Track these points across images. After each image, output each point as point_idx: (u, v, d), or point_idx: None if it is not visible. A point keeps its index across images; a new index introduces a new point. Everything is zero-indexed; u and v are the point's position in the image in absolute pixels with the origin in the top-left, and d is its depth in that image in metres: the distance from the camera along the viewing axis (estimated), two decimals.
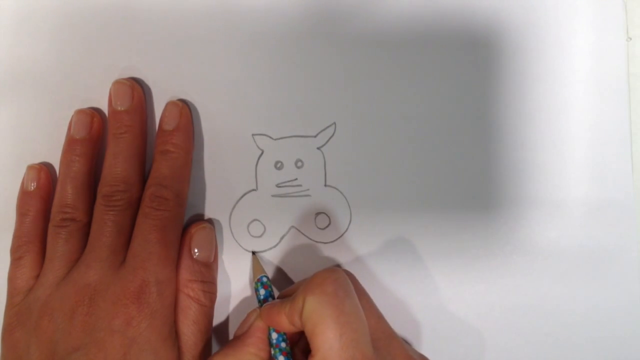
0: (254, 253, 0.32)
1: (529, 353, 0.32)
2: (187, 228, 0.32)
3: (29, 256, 0.31)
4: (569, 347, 0.32)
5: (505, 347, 0.32)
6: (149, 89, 0.33)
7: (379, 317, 0.29)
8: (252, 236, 0.33)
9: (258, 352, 0.28)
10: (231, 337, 0.33)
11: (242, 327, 0.29)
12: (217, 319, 0.32)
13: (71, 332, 0.28)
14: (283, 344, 0.28)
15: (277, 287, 0.33)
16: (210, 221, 0.33)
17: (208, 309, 0.31)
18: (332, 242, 0.33)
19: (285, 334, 0.28)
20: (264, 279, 0.30)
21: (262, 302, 0.30)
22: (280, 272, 0.33)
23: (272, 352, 0.28)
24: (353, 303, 0.26)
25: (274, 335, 0.28)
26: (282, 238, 0.33)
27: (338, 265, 0.33)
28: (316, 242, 0.33)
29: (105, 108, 0.33)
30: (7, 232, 0.32)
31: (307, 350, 0.28)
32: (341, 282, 0.26)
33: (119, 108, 0.31)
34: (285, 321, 0.27)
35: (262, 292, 0.30)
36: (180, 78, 0.33)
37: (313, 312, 0.25)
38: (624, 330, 0.32)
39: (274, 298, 0.30)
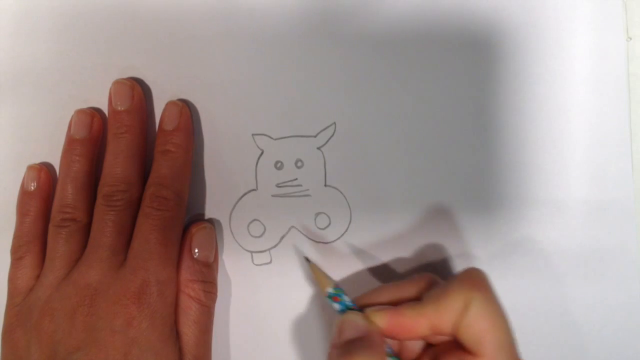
0: (309, 260, 0.30)
1: (529, 353, 0.32)
2: (187, 228, 0.32)
3: (29, 256, 0.31)
4: (569, 347, 0.32)
5: None
6: (149, 89, 0.33)
7: None
8: (252, 236, 0.33)
9: (383, 356, 0.25)
10: (231, 336, 0.33)
11: (346, 332, 0.25)
12: (217, 319, 0.32)
13: (72, 332, 0.28)
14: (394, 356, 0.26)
15: (277, 287, 0.33)
16: (210, 221, 0.33)
17: (209, 309, 0.31)
18: (332, 242, 0.33)
19: (394, 350, 0.26)
20: (338, 288, 0.27)
21: (345, 310, 0.27)
22: (280, 272, 0.33)
23: None
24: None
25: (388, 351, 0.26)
26: (282, 238, 0.33)
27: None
28: (316, 242, 0.33)
29: (105, 108, 0.33)
30: (7, 232, 0.32)
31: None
32: (490, 280, 0.26)
33: (119, 108, 0.31)
34: (424, 325, 0.25)
35: (345, 298, 0.27)
36: (180, 78, 0.33)
37: (485, 312, 0.24)
38: (624, 330, 0.32)
39: (353, 303, 0.27)
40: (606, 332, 0.32)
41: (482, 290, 0.25)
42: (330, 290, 0.28)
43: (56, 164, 0.33)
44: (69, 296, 0.29)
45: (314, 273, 0.29)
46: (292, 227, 0.33)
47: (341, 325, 0.26)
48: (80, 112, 0.32)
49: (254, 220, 0.33)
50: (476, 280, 0.25)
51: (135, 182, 0.31)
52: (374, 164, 0.33)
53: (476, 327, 0.24)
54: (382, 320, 0.26)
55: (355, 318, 0.26)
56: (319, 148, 0.33)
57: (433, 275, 0.28)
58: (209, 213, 0.33)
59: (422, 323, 0.25)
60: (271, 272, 0.33)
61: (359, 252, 0.33)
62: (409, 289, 0.27)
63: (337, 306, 0.27)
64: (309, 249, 0.33)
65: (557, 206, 0.32)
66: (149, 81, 0.33)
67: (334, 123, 0.33)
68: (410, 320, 0.25)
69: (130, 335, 0.28)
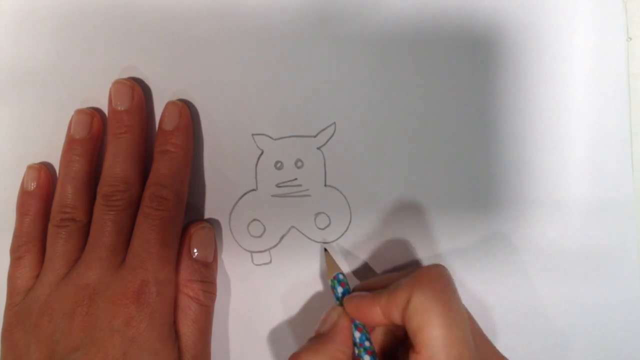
0: (325, 250, 0.32)
1: (529, 353, 0.32)
2: (186, 228, 0.32)
3: (28, 256, 0.31)
4: (569, 347, 0.32)
5: (505, 347, 0.32)
6: (149, 89, 0.33)
7: (471, 317, 0.28)
8: (252, 236, 0.33)
9: (345, 349, 0.27)
10: (231, 336, 0.33)
11: (324, 324, 0.28)
12: (216, 319, 0.32)
13: (71, 332, 0.28)
14: (367, 343, 0.27)
15: (277, 287, 0.33)
16: (210, 221, 0.33)
17: (208, 309, 0.31)
18: (332, 242, 0.33)
19: (368, 332, 0.28)
20: (341, 276, 0.30)
21: (340, 300, 0.29)
22: (280, 272, 0.33)
23: (357, 351, 0.27)
24: (459, 301, 0.26)
25: (357, 334, 0.27)
26: (282, 238, 0.33)
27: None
28: (316, 242, 0.33)
29: (105, 108, 0.33)
30: (7, 232, 0.32)
31: (386, 345, 0.28)
32: (448, 278, 0.26)
33: (119, 108, 0.31)
34: (379, 314, 0.27)
35: (339, 289, 0.29)
36: (180, 78, 0.33)
37: (421, 308, 0.25)
38: (624, 330, 0.32)
39: (348, 291, 0.30)
40: (606, 332, 0.32)
41: (425, 289, 0.25)
42: (333, 275, 0.30)
43: (56, 164, 0.33)
44: (68, 296, 0.29)
45: (326, 260, 0.31)
46: (292, 227, 0.33)
47: (324, 317, 0.29)
48: (80, 112, 0.32)
49: (254, 220, 0.33)
50: (420, 278, 0.26)
51: (134, 182, 0.31)
52: (374, 164, 0.33)
53: (413, 323, 0.25)
54: (348, 303, 0.28)
55: (333, 311, 0.29)
56: (319, 148, 0.33)
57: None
58: (208, 213, 0.33)
59: (376, 311, 0.27)
60: (271, 272, 0.33)
61: (359, 252, 0.33)
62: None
63: (339, 290, 0.30)
64: (309, 249, 0.33)
65: (557, 206, 0.32)
66: (149, 81, 0.33)
67: (334, 123, 0.33)
68: (367, 306, 0.27)
69: (129, 335, 0.28)
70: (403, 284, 0.26)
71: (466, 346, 0.25)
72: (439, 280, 0.26)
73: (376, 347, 0.29)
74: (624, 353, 0.32)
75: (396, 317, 0.26)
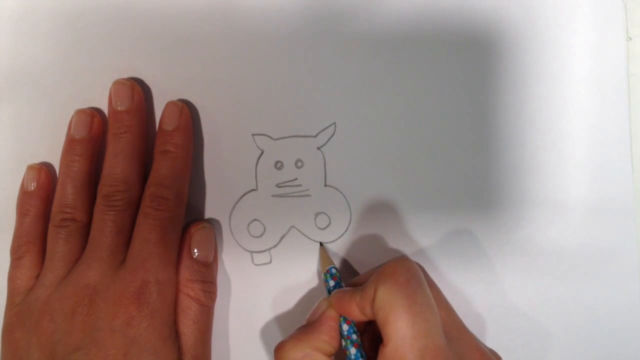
0: (321, 244, 0.32)
1: (529, 353, 0.32)
2: (186, 228, 0.32)
3: (29, 256, 0.31)
4: (569, 347, 0.32)
5: (505, 347, 0.32)
6: (149, 89, 0.33)
7: (450, 309, 0.28)
8: (252, 236, 0.33)
9: (330, 340, 0.28)
10: (231, 336, 0.33)
11: (314, 315, 0.29)
12: (217, 319, 0.32)
13: (71, 332, 0.28)
14: (354, 336, 0.28)
15: (277, 287, 0.33)
16: (210, 221, 0.33)
17: (208, 309, 0.31)
18: (332, 242, 0.33)
19: (355, 325, 0.28)
20: (333, 270, 0.30)
21: (331, 293, 0.30)
22: (280, 272, 0.33)
23: (344, 343, 0.28)
24: (425, 293, 0.26)
25: (345, 327, 0.28)
26: (282, 238, 0.33)
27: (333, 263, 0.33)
28: (316, 242, 0.33)
29: (105, 108, 0.33)
30: (7, 232, 0.32)
31: (374, 339, 0.28)
32: (413, 272, 0.26)
33: (119, 108, 0.31)
34: (356, 310, 0.27)
35: (331, 282, 0.30)
36: (180, 78, 0.33)
37: (385, 302, 0.25)
38: (624, 330, 0.32)
39: (340, 284, 0.30)
40: (606, 332, 0.32)
41: (388, 283, 0.26)
42: (327, 269, 0.31)
43: (56, 164, 0.33)
44: (68, 296, 0.29)
45: (320, 255, 0.32)
46: (292, 227, 0.33)
47: (314, 307, 0.29)
48: (80, 112, 0.32)
49: (254, 220, 0.33)
50: (384, 272, 0.26)
51: (135, 182, 0.31)
52: (374, 164, 0.33)
53: (379, 316, 0.26)
54: (333, 298, 0.28)
55: (323, 303, 0.29)
56: (319, 148, 0.33)
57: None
58: (208, 213, 0.33)
59: (353, 307, 0.27)
60: (271, 272, 0.33)
61: (359, 252, 0.33)
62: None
63: (331, 284, 0.30)
64: (309, 249, 0.33)
65: (557, 206, 0.32)
66: (149, 81, 0.33)
67: (334, 123, 0.33)
68: (346, 304, 0.28)
69: (130, 335, 0.28)
70: (371, 280, 0.27)
71: (431, 338, 0.25)
72: (403, 274, 0.26)
73: (370, 342, 0.29)
74: (623, 353, 0.32)
75: (369, 313, 0.27)
